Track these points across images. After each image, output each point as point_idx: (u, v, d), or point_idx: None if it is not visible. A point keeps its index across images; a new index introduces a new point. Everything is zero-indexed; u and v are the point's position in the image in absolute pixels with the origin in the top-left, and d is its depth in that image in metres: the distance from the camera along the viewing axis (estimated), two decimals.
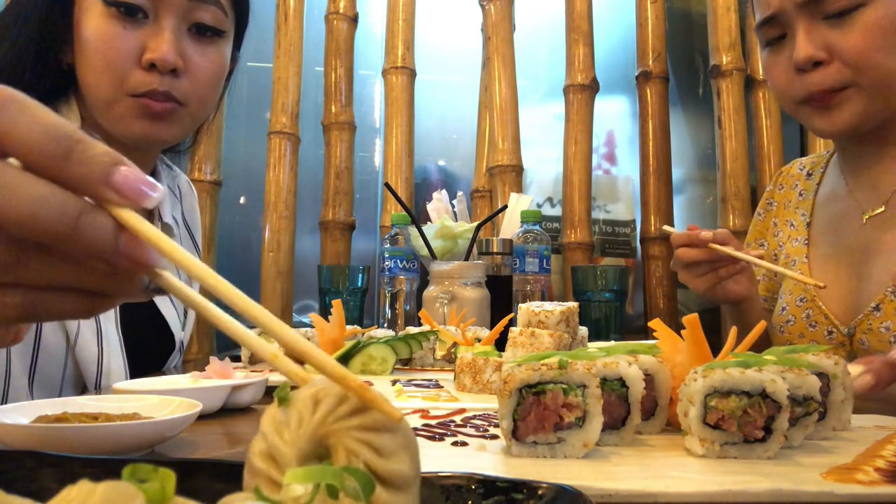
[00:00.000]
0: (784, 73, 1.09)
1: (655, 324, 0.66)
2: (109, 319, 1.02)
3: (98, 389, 0.98)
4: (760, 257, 1.15)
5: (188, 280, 0.43)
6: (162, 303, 1.15)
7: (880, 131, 1.10)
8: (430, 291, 1.32)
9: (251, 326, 0.38)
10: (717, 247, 1.13)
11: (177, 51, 1.01)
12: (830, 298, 1.14)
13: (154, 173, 1.20)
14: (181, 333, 1.18)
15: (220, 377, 0.80)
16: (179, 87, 1.02)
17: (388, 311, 1.56)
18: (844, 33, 1.01)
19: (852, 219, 1.16)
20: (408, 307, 1.56)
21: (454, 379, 0.86)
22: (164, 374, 1.11)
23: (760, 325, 0.64)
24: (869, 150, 1.14)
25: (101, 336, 1.00)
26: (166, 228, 1.19)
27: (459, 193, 1.75)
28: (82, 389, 1.00)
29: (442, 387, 0.86)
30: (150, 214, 1.19)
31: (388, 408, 0.35)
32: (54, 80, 1.04)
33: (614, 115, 2.16)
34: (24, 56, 1.01)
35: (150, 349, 1.14)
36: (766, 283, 1.35)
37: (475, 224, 1.49)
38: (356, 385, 0.36)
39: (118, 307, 1.04)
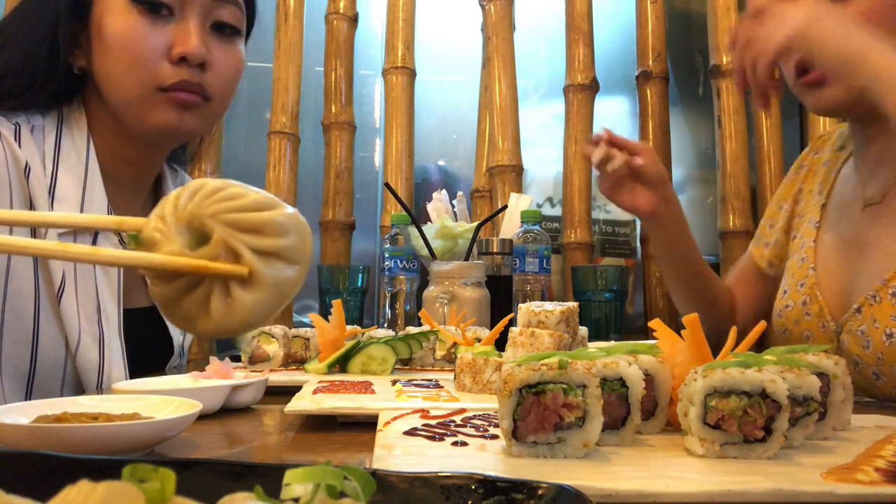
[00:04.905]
0: None
1: (655, 324, 0.66)
2: (112, 326, 1.02)
3: (99, 391, 0.98)
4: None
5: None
6: None
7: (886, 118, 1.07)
8: (430, 291, 1.32)
9: None
10: (612, 150, 1.20)
11: (205, 45, 1.03)
12: (829, 289, 1.10)
13: (160, 177, 1.20)
14: (180, 338, 1.18)
15: (220, 377, 0.80)
16: (207, 81, 1.04)
17: (388, 311, 1.56)
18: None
19: (855, 207, 1.12)
20: (408, 307, 1.56)
21: (454, 379, 0.86)
22: (164, 374, 1.11)
23: (760, 326, 0.64)
24: (875, 135, 1.10)
25: (103, 343, 1.00)
26: None
27: (459, 193, 1.75)
28: (81, 394, 1.00)
29: (442, 387, 0.86)
30: None
31: (230, 267, 0.38)
32: (62, 85, 1.04)
33: (614, 115, 2.16)
34: (37, 60, 1.01)
35: (149, 353, 1.13)
36: (775, 249, 1.30)
37: (475, 224, 1.49)
38: (193, 264, 0.38)
39: (120, 312, 1.04)
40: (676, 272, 1.31)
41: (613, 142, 1.22)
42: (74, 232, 0.99)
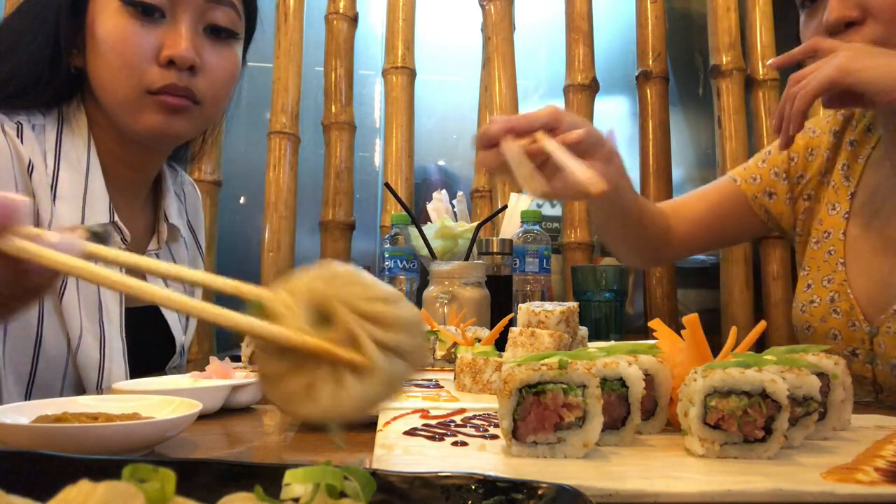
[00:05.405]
0: (816, 35, 1.00)
1: (655, 324, 0.66)
2: (114, 325, 1.02)
3: (99, 390, 0.98)
4: (578, 140, 0.86)
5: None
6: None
7: None
8: (430, 291, 1.32)
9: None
10: (508, 147, 0.85)
11: (195, 48, 1.02)
12: (861, 287, 1.04)
13: (160, 176, 1.20)
14: (182, 337, 1.18)
15: (220, 377, 0.80)
16: (196, 85, 1.03)
17: None
18: None
19: (890, 201, 1.04)
20: None
21: (454, 379, 0.86)
22: (164, 374, 1.11)
23: (760, 326, 0.64)
24: None
25: (104, 342, 1.00)
26: (172, 229, 1.19)
27: (459, 193, 1.75)
28: (81, 393, 1.00)
29: (442, 387, 0.86)
30: (156, 217, 1.19)
31: (354, 356, 0.38)
32: (63, 84, 1.04)
33: (614, 115, 2.16)
34: (40, 60, 1.01)
35: (150, 352, 1.13)
36: (782, 209, 1.18)
37: (475, 224, 1.49)
38: (319, 345, 0.38)
39: (122, 311, 1.04)
40: (622, 226, 1.16)
41: (513, 129, 0.87)
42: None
